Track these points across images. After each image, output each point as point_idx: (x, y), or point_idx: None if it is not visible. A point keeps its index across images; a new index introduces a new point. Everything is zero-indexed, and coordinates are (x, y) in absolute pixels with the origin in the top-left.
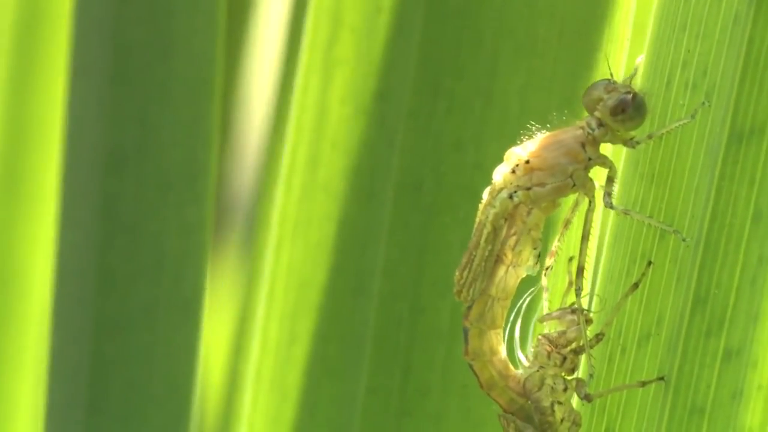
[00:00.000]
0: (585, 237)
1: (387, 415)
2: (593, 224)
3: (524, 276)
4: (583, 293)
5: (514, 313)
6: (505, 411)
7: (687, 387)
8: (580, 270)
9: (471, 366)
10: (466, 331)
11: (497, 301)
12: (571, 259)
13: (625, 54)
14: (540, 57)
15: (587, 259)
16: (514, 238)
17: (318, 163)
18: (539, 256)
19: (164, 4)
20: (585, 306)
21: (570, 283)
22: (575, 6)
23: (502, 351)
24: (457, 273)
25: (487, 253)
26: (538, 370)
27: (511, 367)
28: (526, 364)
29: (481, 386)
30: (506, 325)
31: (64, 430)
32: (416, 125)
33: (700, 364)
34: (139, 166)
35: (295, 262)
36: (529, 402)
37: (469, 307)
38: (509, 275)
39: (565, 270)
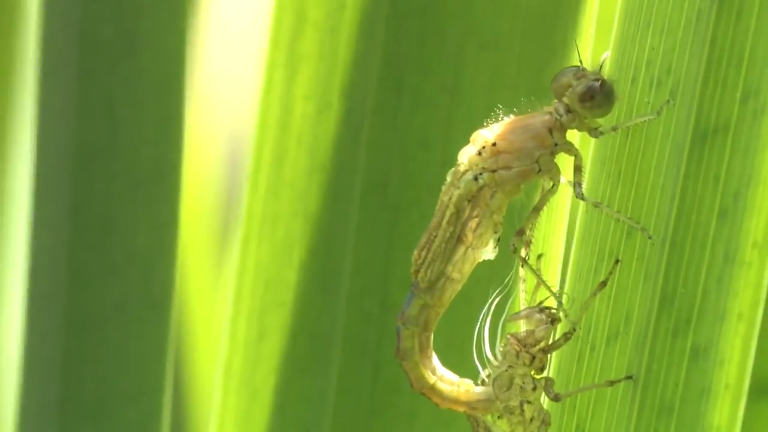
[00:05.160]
0: (536, 209)
1: (358, 413)
2: (547, 204)
3: (481, 260)
4: (550, 291)
5: (483, 313)
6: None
7: (655, 386)
8: (521, 231)
9: (401, 365)
10: (398, 330)
11: (450, 281)
12: (540, 256)
13: (590, 50)
14: (505, 53)
15: (530, 226)
16: (476, 220)
17: (283, 161)
18: (498, 240)
19: (131, 1)
20: (554, 305)
21: (538, 283)
22: (539, 2)
23: (431, 352)
24: (415, 253)
25: (448, 235)
26: (506, 370)
27: (441, 368)
28: (495, 363)
29: (412, 386)
30: (476, 324)
31: (37, 427)
32: (381, 122)
33: (667, 362)
34: (109, 164)
35: (262, 260)
36: (469, 407)
37: (416, 288)
38: (467, 256)
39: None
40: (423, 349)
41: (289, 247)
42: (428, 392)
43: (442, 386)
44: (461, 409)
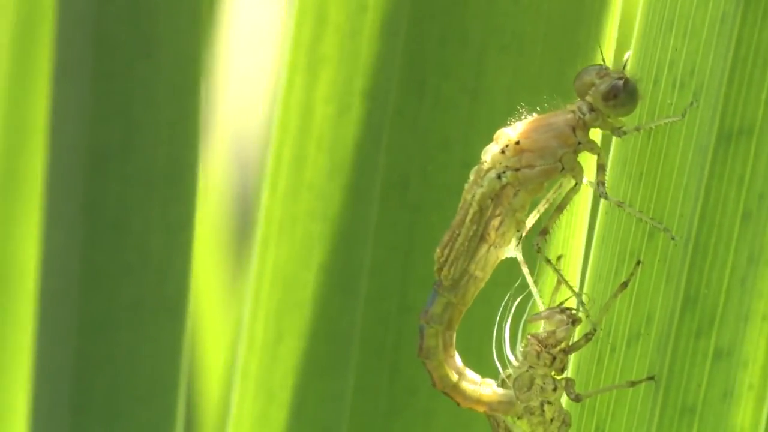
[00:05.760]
0: (560, 208)
1: (375, 415)
2: (571, 202)
3: (504, 258)
4: (571, 293)
5: (501, 313)
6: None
7: (677, 387)
8: (544, 230)
9: (424, 364)
10: (422, 329)
11: (473, 279)
12: (560, 257)
13: (611, 52)
14: (526, 55)
15: (553, 225)
16: (498, 218)
17: (303, 162)
18: (521, 238)
19: (147, 2)
20: (574, 306)
21: (558, 282)
22: (561, 3)
23: (454, 351)
24: (438, 250)
25: (471, 233)
26: (527, 370)
27: (464, 367)
28: (516, 364)
29: (434, 385)
30: (495, 326)
31: (49, 429)
32: (402, 124)
33: (690, 363)
34: (123, 165)
35: (281, 261)
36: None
37: (440, 286)
38: (490, 254)
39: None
40: (446, 348)
41: (307, 248)
42: (451, 391)
43: (465, 385)
44: (482, 409)
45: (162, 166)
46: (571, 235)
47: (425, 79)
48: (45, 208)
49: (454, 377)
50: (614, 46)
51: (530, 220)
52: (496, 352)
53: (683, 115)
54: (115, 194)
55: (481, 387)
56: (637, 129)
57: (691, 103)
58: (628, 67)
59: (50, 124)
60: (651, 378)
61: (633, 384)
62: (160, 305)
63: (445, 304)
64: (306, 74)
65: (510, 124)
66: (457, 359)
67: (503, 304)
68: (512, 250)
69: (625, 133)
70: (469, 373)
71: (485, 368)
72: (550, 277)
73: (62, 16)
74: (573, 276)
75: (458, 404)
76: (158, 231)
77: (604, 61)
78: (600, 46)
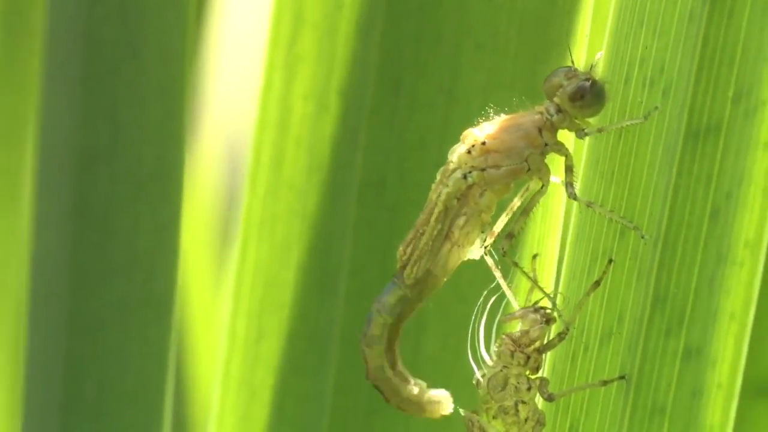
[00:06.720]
0: (525, 211)
1: (355, 413)
2: (538, 204)
3: (466, 258)
4: (543, 293)
5: (477, 313)
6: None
7: (648, 386)
8: (510, 234)
9: (363, 352)
10: (370, 317)
11: (433, 278)
12: (535, 256)
13: (584, 50)
14: (500, 54)
15: (519, 229)
16: (464, 218)
17: (282, 161)
18: (485, 239)
19: (134, 3)
20: (548, 305)
21: (533, 283)
22: (535, 2)
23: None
24: (401, 248)
25: (436, 232)
26: (501, 370)
27: (401, 364)
28: (490, 363)
29: (367, 375)
30: (470, 325)
31: (39, 427)
32: (379, 122)
33: (660, 363)
34: (111, 165)
35: (261, 260)
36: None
37: (399, 280)
38: (452, 254)
39: (528, 269)
40: (390, 341)
41: (287, 247)
42: (382, 384)
43: (396, 381)
44: (410, 409)
45: (149, 165)
46: (546, 234)
47: (401, 78)
48: (34, 208)
49: (389, 371)
50: (587, 44)
51: (499, 224)
52: (471, 351)
53: (645, 118)
54: (103, 194)
55: (412, 386)
56: (600, 130)
57: (656, 108)
58: (598, 68)
59: (39, 124)
60: (622, 377)
61: (605, 383)
62: (148, 304)
63: (400, 296)
64: (284, 72)
65: (478, 124)
66: (397, 354)
67: (479, 303)
68: (475, 252)
69: (587, 134)
70: (403, 370)
71: (462, 367)
72: (524, 277)
73: (52, 17)
74: (548, 275)
75: (387, 400)
76: (146, 230)
77: (572, 62)
78: (569, 48)
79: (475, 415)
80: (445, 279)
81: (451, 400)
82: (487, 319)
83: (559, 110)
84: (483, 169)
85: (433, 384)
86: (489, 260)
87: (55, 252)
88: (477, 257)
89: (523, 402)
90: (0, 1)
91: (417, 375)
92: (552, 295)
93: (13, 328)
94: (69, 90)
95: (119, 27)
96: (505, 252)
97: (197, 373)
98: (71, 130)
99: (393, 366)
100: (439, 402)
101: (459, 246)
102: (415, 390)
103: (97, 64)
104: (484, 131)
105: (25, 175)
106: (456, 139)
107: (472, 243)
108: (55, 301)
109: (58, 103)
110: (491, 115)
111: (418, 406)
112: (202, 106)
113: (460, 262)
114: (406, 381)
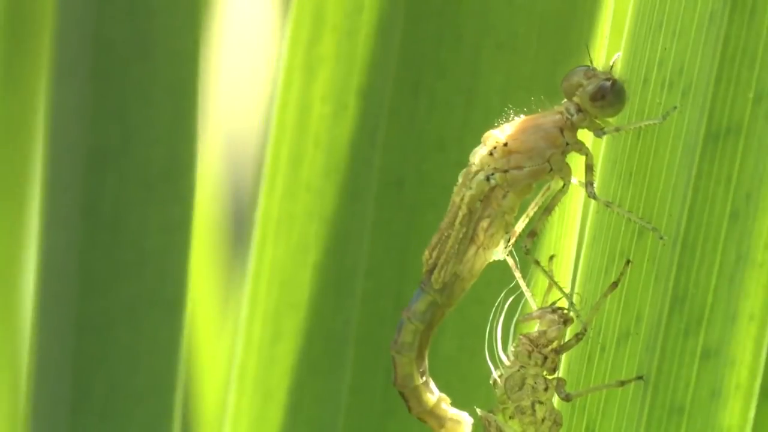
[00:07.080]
0: (548, 210)
1: (371, 414)
2: (559, 204)
3: (491, 260)
4: (562, 293)
5: (493, 313)
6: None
7: (666, 386)
8: (533, 233)
9: (393, 359)
10: (401, 324)
11: (461, 281)
12: (552, 257)
13: (603, 51)
14: (520, 55)
15: (541, 227)
16: (487, 220)
17: (300, 162)
18: (509, 240)
19: (144, 2)
20: (566, 305)
21: (551, 283)
22: (554, 4)
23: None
24: (426, 253)
25: (461, 236)
26: (518, 370)
27: (428, 374)
28: (507, 363)
29: (395, 382)
30: (488, 326)
31: (48, 427)
32: (398, 123)
33: (678, 363)
34: (121, 165)
35: (278, 261)
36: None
37: (427, 285)
38: (478, 256)
39: (546, 269)
40: (420, 348)
41: (304, 247)
42: (409, 393)
43: (424, 392)
44: (430, 421)
45: (160, 165)
46: (563, 235)
47: (420, 79)
48: (44, 208)
49: (418, 380)
50: (606, 45)
51: (520, 224)
52: (489, 352)
53: (664, 118)
54: (113, 194)
55: (437, 400)
56: (617, 130)
57: (674, 107)
58: (617, 68)
59: (49, 124)
60: (640, 378)
61: (622, 384)
62: (158, 304)
63: (430, 302)
64: (303, 73)
65: (498, 126)
66: (425, 365)
67: (496, 304)
68: (500, 253)
69: (605, 133)
70: (431, 382)
71: (477, 368)
72: (542, 278)
73: (61, 17)
74: (565, 275)
75: (409, 409)
76: (156, 230)
77: (591, 61)
78: (587, 47)
79: (491, 414)
80: (473, 281)
81: (471, 424)
82: (504, 320)
83: (579, 110)
84: (505, 171)
85: (450, 387)
86: (510, 261)
87: (64, 252)
88: (502, 258)
89: (540, 402)
90: (9, 0)
91: (434, 375)
92: (570, 296)
93: (22, 327)
94: (78, 90)
95: (129, 26)
96: (527, 250)
97: (207, 374)
98: (81, 130)
99: (422, 374)
100: (460, 422)
101: (484, 248)
102: (441, 404)
103: (106, 63)
104: (505, 132)
105: (35, 175)
106: (475, 140)
107: (497, 244)
108: (65, 301)
109: (67, 103)
110: (511, 115)
111: (439, 420)
112: (211, 106)
113: (486, 263)
114: (432, 392)
